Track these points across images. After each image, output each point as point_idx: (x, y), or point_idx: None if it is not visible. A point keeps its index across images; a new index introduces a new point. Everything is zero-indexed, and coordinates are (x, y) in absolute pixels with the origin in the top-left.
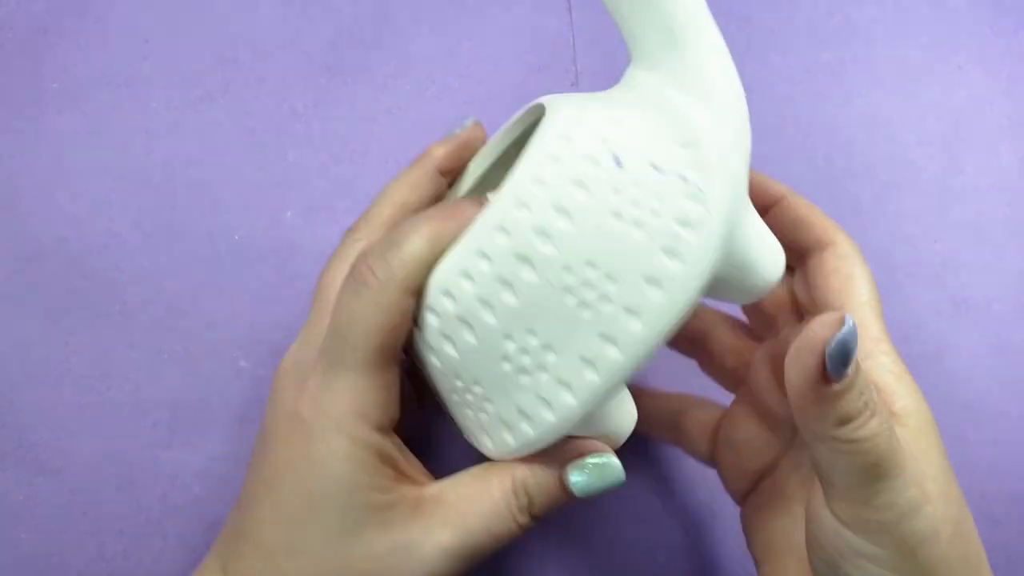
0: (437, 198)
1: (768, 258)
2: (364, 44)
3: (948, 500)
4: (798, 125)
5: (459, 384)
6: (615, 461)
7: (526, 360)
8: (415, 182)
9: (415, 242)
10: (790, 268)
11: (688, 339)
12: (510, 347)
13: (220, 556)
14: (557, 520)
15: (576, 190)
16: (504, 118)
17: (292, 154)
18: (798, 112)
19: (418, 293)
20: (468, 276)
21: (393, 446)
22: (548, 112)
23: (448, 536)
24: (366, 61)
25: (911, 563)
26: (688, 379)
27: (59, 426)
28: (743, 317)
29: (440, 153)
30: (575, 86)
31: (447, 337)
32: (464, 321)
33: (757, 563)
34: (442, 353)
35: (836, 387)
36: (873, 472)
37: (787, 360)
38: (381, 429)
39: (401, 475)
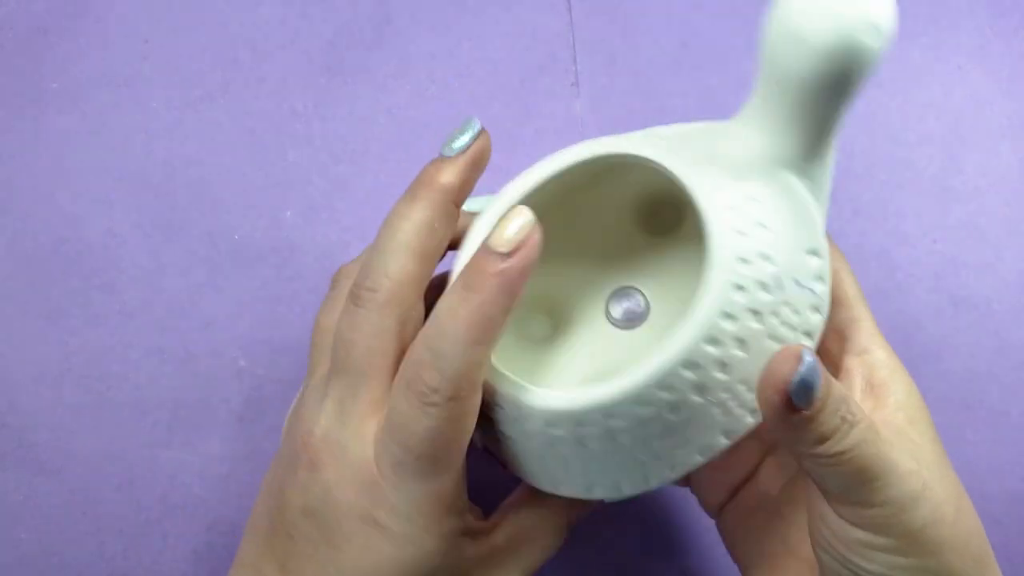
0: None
1: None
2: (364, 44)
3: (945, 482)
4: None
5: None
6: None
7: (666, 449)
8: (430, 224)
9: (469, 352)
10: None
11: None
12: (656, 445)
13: None
14: None
15: (753, 320)
16: (504, 118)
17: (292, 154)
18: None
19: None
20: (645, 403)
21: (468, 513)
22: (707, 212)
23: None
24: (366, 61)
25: (918, 547)
26: None
27: (59, 426)
28: None
29: (452, 181)
30: (575, 86)
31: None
32: (624, 430)
33: (745, 568)
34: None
35: (807, 413)
36: (863, 477)
37: (756, 393)
38: (460, 509)
39: (473, 533)
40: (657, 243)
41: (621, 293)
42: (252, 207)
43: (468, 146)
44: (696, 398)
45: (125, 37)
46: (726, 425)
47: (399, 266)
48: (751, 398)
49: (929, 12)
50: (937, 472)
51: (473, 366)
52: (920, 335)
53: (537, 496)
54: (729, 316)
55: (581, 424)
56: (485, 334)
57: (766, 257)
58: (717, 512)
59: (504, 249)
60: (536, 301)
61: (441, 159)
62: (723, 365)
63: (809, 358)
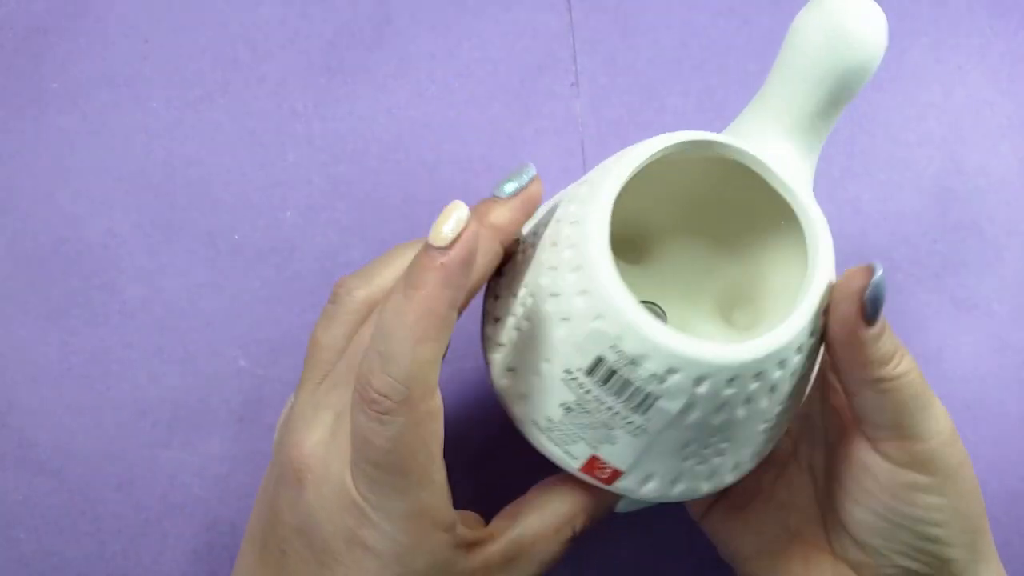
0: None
1: None
2: (364, 44)
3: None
4: None
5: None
6: None
7: (723, 445)
8: (479, 262)
9: (417, 351)
10: None
11: None
12: (712, 440)
13: None
14: None
15: (797, 355)
16: (504, 118)
17: (292, 154)
18: None
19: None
20: (732, 384)
21: (459, 522)
22: (808, 213)
23: None
24: (366, 61)
25: (955, 486)
26: None
27: (59, 426)
28: None
29: (502, 220)
30: (575, 86)
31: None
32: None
33: (744, 560)
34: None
35: (873, 330)
36: (915, 404)
37: (831, 315)
38: (448, 523)
39: (468, 544)
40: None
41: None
42: (252, 207)
43: (521, 190)
44: (764, 401)
45: (125, 37)
46: (758, 446)
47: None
48: (765, 439)
49: (929, 12)
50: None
51: (424, 365)
52: (920, 335)
53: (538, 505)
54: (811, 335)
55: (731, 382)
56: (432, 330)
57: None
58: (703, 514)
59: (442, 244)
60: None
61: (493, 199)
62: (773, 388)
63: (880, 271)
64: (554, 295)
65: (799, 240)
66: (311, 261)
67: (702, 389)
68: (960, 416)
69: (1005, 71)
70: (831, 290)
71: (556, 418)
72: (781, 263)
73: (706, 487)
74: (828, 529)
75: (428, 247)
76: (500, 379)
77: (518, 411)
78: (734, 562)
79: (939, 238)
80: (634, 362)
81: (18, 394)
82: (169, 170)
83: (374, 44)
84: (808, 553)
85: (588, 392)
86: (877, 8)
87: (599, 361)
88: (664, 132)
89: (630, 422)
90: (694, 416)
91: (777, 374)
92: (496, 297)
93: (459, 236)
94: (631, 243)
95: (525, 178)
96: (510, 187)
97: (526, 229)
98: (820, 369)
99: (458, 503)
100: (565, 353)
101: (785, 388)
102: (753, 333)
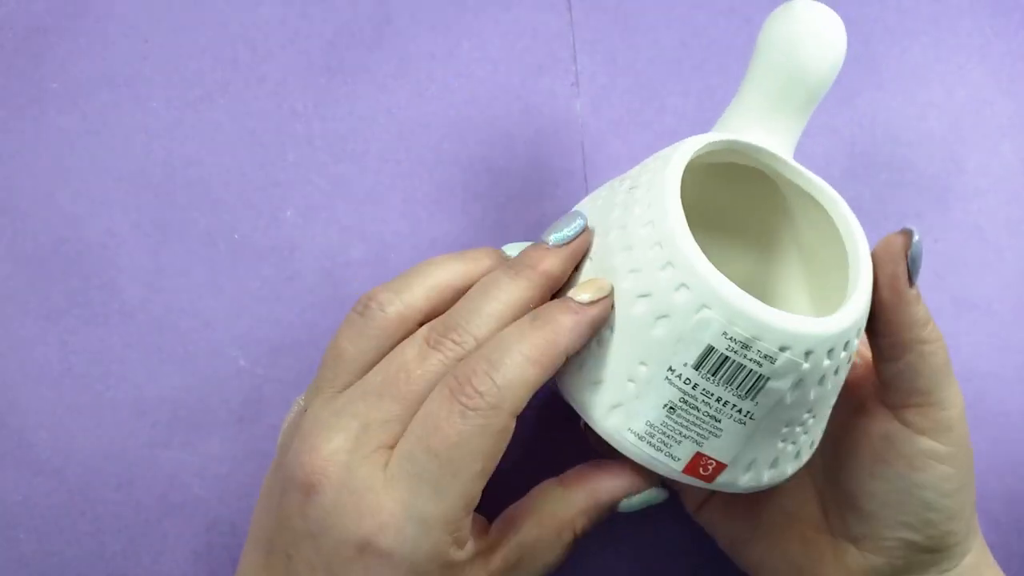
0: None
1: None
2: (364, 44)
3: None
4: None
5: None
6: (664, 491)
7: (809, 421)
8: (526, 304)
9: (526, 369)
10: None
11: None
12: (805, 416)
13: None
14: None
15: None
16: (504, 118)
17: (292, 154)
18: None
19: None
20: (830, 355)
21: (471, 538)
22: (843, 210)
23: None
24: (366, 61)
25: (966, 458)
26: None
27: (58, 426)
28: None
29: (554, 270)
30: (575, 86)
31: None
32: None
33: (742, 544)
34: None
35: (915, 291)
36: (945, 370)
37: (879, 277)
38: (463, 539)
39: (475, 554)
40: None
41: None
42: (252, 207)
43: (573, 239)
44: (844, 371)
45: (125, 37)
46: (826, 420)
47: (487, 332)
48: (830, 412)
49: (929, 12)
50: None
51: (525, 384)
52: None
53: (538, 509)
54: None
55: (830, 354)
56: (546, 359)
57: None
58: (699, 507)
59: (585, 300)
60: None
61: (546, 247)
62: (850, 358)
63: (917, 234)
64: (643, 296)
65: (803, 230)
66: (311, 261)
67: (808, 364)
68: None
69: (1005, 71)
70: (873, 256)
71: (658, 421)
72: (791, 253)
73: (791, 469)
74: (826, 507)
75: (568, 298)
76: (583, 393)
77: (610, 423)
78: (733, 550)
79: (939, 238)
80: (746, 345)
81: (18, 394)
82: (169, 170)
83: (374, 44)
84: (806, 533)
85: (695, 387)
86: (835, 17)
87: (709, 351)
88: (664, 132)
89: (739, 409)
90: (798, 393)
91: (855, 341)
92: None
93: (598, 300)
94: None
95: (575, 229)
96: (561, 235)
97: None
98: None
99: None
100: (666, 351)
101: (852, 354)
102: None
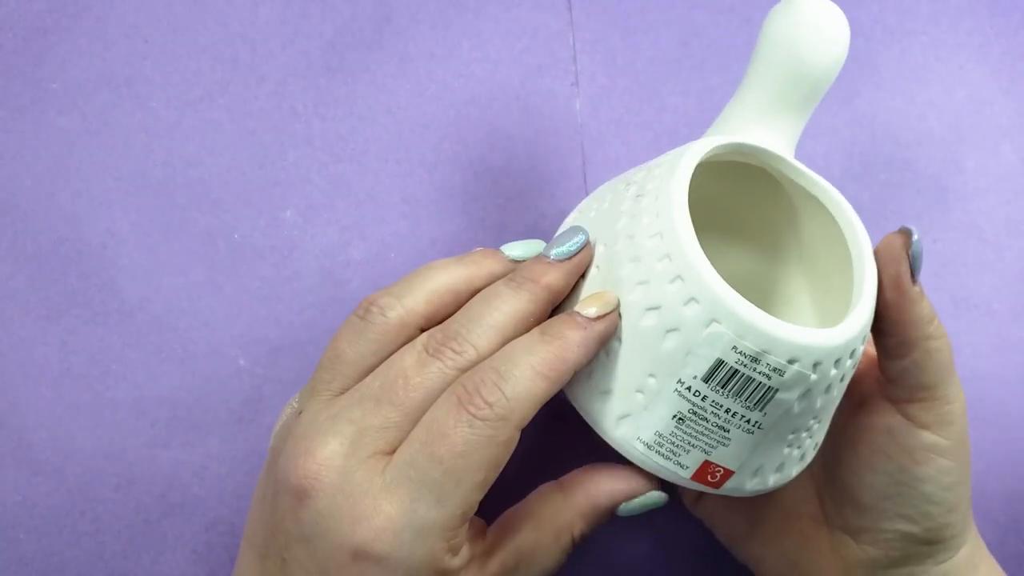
0: None
1: None
2: (364, 44)
3: None
4: None
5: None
6: (663, 495)
7: (814, 426)
8: (527, 317)
9: (536, 382)
10: None
11: None
12: (810, 423)
13: None
14: None
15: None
16: (504, 118)
17: (292, 154)
18: None
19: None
20: (837, 365)
21: (467, 543)
22: (850, 216)
23: None
24: (366, 61)
25: (964, 452)
26: None
27: (58, 426)
28: None
29: (557, 284)
30: (575, 86)
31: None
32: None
33: (741, 539)
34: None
35: (918, 288)
36: (949, 366)
37: (882, 277)
38: (458, 546)
39: (470, 558)
40: None
41: None
42: (252, 207)
43: (574, 254)
44: (849, 377)
45: (125, 37)
46: (830, 422)
47: (487, 343)
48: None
49: (929, 12)
50: None
51: (533, 397)
52: None
53: (536, 513)
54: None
55: (837, 364)
56: (554, 374)
57: None
58: (695, 502)
59: (590, 316)
60: None
61: (547, 261)
62: (855, 364)
63: (916, 233)
64: (652, 308)
65: (807, 229)
66: (311, 261)
67: (816, 375)
68: None
69: (1005, 71)
70: (875, 257)
71: (667, 431)
72: (794, 252)
73: (795, 471)
74: (824, 500)
75: (575, 313)
76: (593, 402)
77: (619, 433)
78: (731, 544)
79: (939, 238)
80: (756, 359)
81: (18, 394)
82: (169, 170)
83: (374, 44)
84: (804, 527)
85: (704, 398)
86: (838, 11)
87: (718, 365)
88: (664, 132)
89: (747, 420)
90: (806, 402)
91: (861, 347)
92: None
93: (605, 315)
94: None
95: (577, 244)
96: (562, 250)
97: None
98: None
99: None
100: (675, 364)
101: (858, 360)
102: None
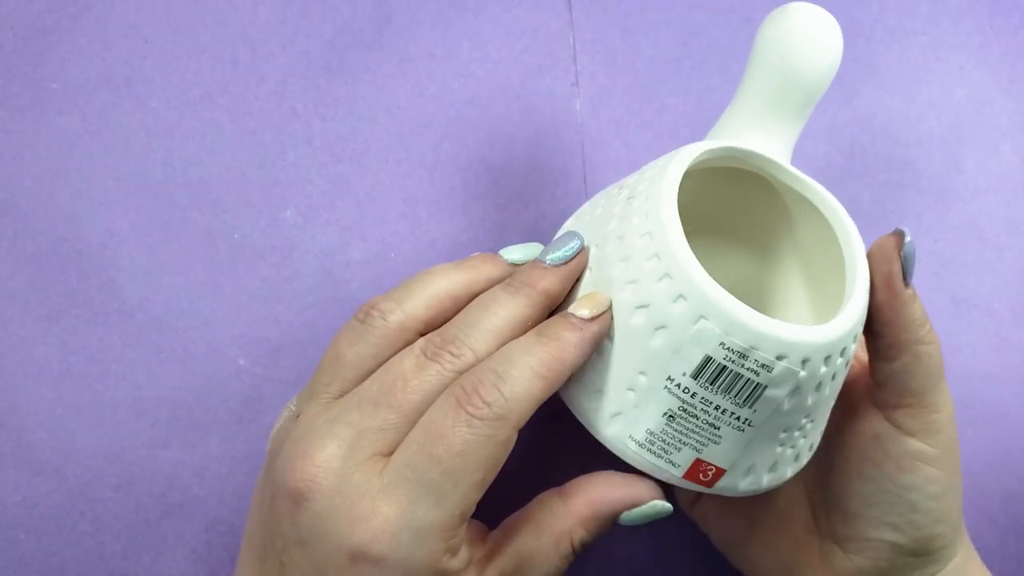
0: None
1: None
2: (364, 44)
3: None
4: None
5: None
6: (667, 504)
7: (807, 426)
8: (525, 321)
9: (534, 383)
10: None
11: None
12: (803, 421)
13: None
14: None
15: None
16: (504, 118)
17: (292, 154)
18: None
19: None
20: (827, 362)
21: (465, 545)
22: (843, 218)
23: None
24: (366, 61)
25: (952, 460)
26: None
27: (58, 426)
28: None
29: (553, 288)
30: (575, 86)
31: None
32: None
33: (736, 544)
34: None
35: (911, 291)
36: (939, 373)
37: (875, 278)
38: (456, 547)
39: (469, 562)
40: None
41: None
42: (252, 207)
43: (570, 259)
44: (841, 375)
45: (125, 37)
46: (825, 423)
47: (484, 347)
48: (829, 415)
49: (929, 12)
50: None
51: (531, 398)
52: None
53: (536, 519)
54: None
55: (826, 361)
56: (552, 375)
57: None
58: (691, 504)
59: (584, 317)
60: None
61: (544, 266)
62: (847, 362)
63: (909, 235)
64: (642, 306)
65: (802, 233)
66: (311, 261)
67: (805, 372)
68: (960, 416)
69: (1005, 71)
70: (868, 258)
71: (658, 429)
72: (789, 256)
73: (790, 472)
74: (816, 509)
75: (570, 314)
76: (585, 401)
77: (611, 431)
78: (725, 547)
79: (938, 238)
80: (743, 355)
81: (18, 394)
82: (169, 170)
83: (374, 44)
84: (797, 533)
85: (694, 395)
86: (830, 19)
87: (707, 361)
88: (664, 132)
89: (737, 417)
90: (796, 400)
91: (853, 346)
92: None
93: (598, 316)
94: None
95: (572, 250)
96: (558, 255)
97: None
98: None
99: None
100: (665, 361)
101: (850, 359)
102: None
